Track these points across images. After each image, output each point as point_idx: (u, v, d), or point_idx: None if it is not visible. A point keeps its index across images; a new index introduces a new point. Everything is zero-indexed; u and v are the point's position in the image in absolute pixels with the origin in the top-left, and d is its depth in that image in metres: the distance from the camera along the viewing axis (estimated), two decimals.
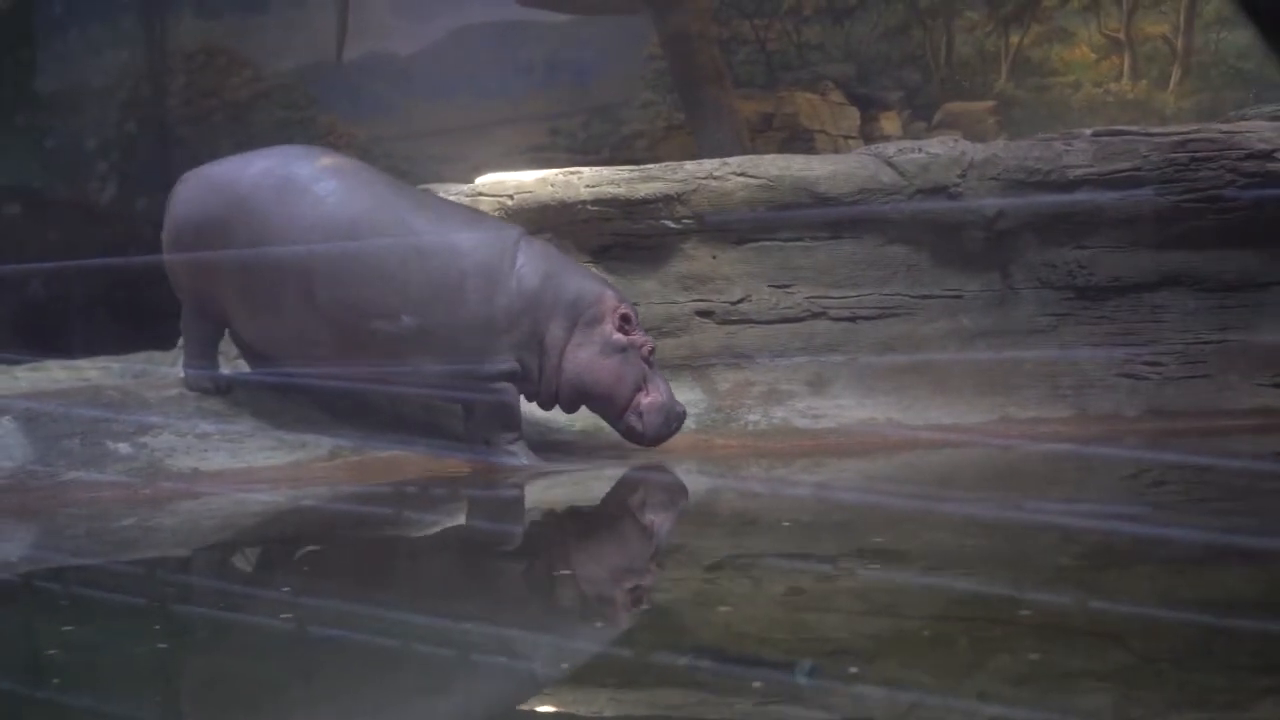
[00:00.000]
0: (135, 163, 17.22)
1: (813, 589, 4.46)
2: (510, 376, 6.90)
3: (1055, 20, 12.16)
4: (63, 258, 16.48)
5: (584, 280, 7.06)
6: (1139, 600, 3.87)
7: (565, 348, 6.91)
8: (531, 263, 6.90)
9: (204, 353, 7.30)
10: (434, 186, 8.55)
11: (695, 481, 6.86)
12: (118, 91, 17.54)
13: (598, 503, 6.61)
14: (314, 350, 6.92)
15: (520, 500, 6.49)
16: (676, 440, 7.10)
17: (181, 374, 7.36)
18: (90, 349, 11.45)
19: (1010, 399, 7.71)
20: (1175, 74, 11.62)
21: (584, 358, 6.92)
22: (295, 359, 7.02)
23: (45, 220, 16.85)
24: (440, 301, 6.78)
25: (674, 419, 7.00)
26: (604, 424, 7.15)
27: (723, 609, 4.14)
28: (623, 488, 6.76)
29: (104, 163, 17.34)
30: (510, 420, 6.98)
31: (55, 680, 3.61)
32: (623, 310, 6.97)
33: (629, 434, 7.03)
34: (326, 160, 7.12)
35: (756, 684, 3.18)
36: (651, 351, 7.02)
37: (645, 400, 6.95)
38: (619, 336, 6.93)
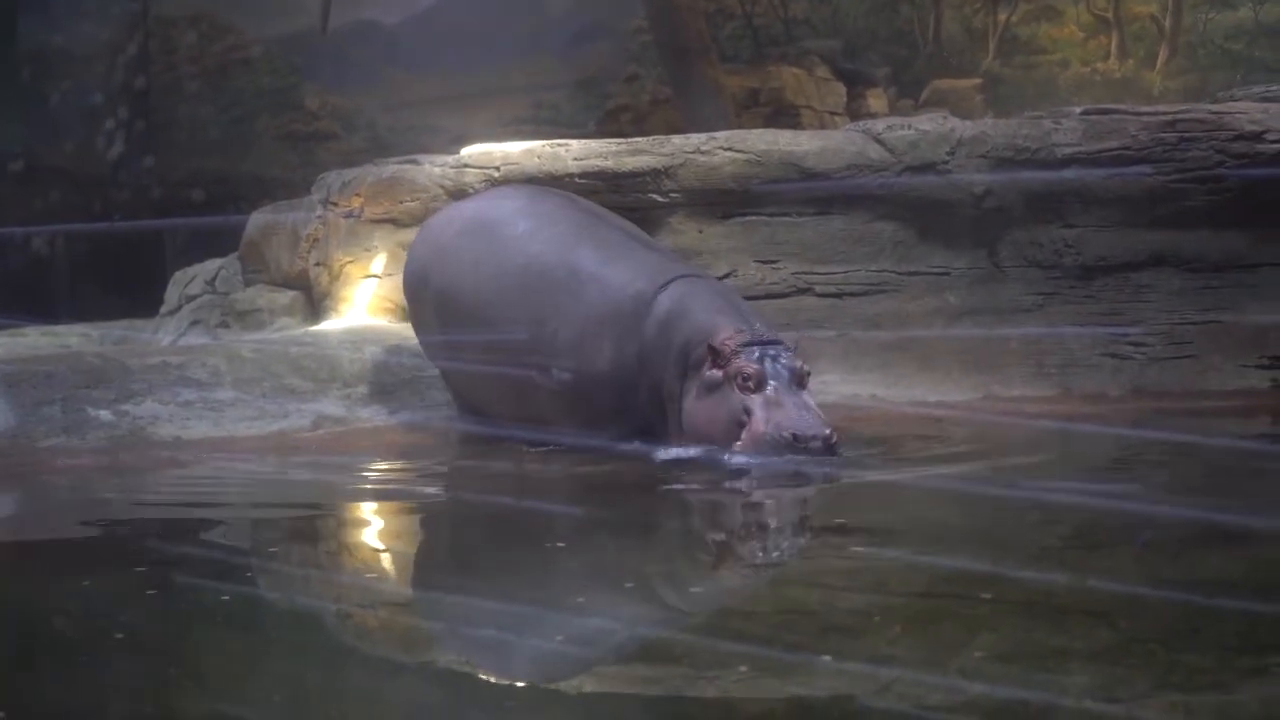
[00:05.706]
0: (117, 130, 17.12)
1: (795, 565, 4.45)
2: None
3: None
4: (46, 224, 16.44)
5: (704, 318, 6.05)
6: (1125, 579, 3.86)
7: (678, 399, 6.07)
8: (662, 306, 6.10)
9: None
10: (419, 157, 8.52)
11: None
12: (100, 59, 17.43)
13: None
14: (506, 405, 6.60)
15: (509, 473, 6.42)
16: None
17: (164, 341, 7.31)
18: (72, 315, 11.43)
19: (995, 376, 7.71)
20: (1163, 54, 11.64)
21: (686, 407, 6.00)
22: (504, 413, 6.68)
23: (29, 186, 16.79)
24: (584, 349, 6.20)
25: (779, 447, 5.68)
26: None
27: (696, 589, 4.13)
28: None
29: (86, 129, 17.24)
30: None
31: (38, 650, 3.58)
32: (711, 343, 5.90)
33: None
34: (531, 197, 6.86)
35: (742, 667, 3.16)
36: (749, 378, 5.80)
37: (746, 437, 5.80)
38: (712, 373, 5.88)
